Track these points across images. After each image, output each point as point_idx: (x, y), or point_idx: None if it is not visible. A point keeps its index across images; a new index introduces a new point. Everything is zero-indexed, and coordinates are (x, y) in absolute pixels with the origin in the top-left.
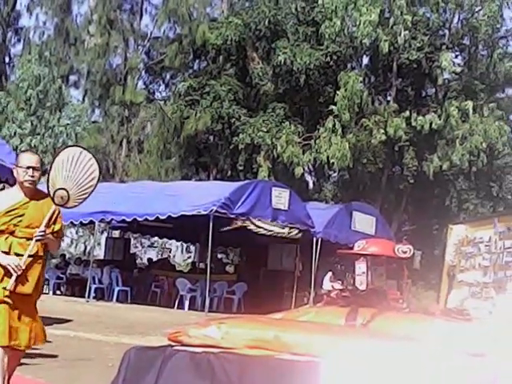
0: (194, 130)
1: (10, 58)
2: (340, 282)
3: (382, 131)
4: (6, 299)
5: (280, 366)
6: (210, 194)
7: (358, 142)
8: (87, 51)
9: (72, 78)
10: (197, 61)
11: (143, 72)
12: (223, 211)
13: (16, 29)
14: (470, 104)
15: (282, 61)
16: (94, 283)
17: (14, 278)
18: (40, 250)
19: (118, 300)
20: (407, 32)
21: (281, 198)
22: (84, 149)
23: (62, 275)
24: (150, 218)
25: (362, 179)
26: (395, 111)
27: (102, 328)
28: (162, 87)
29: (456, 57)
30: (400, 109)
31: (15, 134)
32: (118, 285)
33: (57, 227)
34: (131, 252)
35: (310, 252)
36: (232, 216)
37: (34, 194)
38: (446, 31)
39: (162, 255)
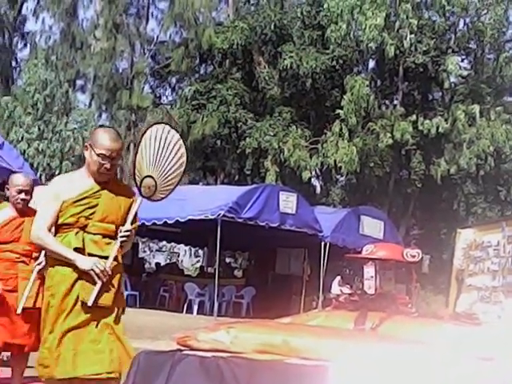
0: (201, 135)
1: (17, 63)
2: (348, 286)
3: (389, 135)
4: (78, 318)
5: (289, 371)
6: (217, 199)
7: (364, 145)
8: (93, 55)
9: (79, 82)
10: (203, 65)
11: (149, 76)
12: (231, 215)
13: (22, 33)
14: (476, 108)
15: (288, 65)
16: None
17: (97, 287)
18: (119, 252)
19: (126, 304)
20: (413, 36)
21: (288, 202)
22: (171, 127)
23: None
24: (157, 223)
25: (369, 183)
26: (402, 115)
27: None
28: (169, 91)
29: (462, 60)
30: (407, 113)
31: (22, 138)
32: (126, 289)
33: (135, 225)
34: (139, 256)
35: (318, 256)
36: (240, 220)
37: (108, 182)
38: (452, 35)
39: (170, 260)
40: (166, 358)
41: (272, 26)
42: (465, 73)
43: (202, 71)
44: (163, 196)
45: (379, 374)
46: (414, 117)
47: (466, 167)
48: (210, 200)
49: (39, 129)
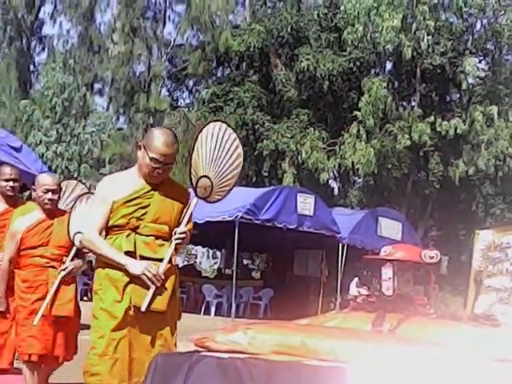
0: None
1: (35, 66)
2: (366, 287)
3: (407, 136)
4: (130, 323)
5: (307, 372)
6: (235, 200)
7: (382, 147)
8: (111, 59)
9: (96, 85)
10: (220, 68)
11: (167, 79)
12: (248, 217)
13: (40, 37)
14: (494, 109)
15: (305, 67)
16: None
17: (151, 292)
18: (173, 254)
19: None
20: (430, 37)
21: (306, 203)
22: (228, 125)
23: (88, 281)
24: None
25: (387, 185)
26: (419, 116)
27: None
28: (186, 94)
29: (480, 62)
30: (424, 114)
31: (41, 141)
32: None
33: (189, 226)
34: None
35: (335, 258)
36: (257, 222)
37: (160, 183)
38: (470, 36)
39: (187, 261)
40: (184, 360)
41: (289, 29)
42: (482, 74)
43: (219, 74)
44: (219, 197)
45: (397, 375)
46: (431, 118)
47: (484, 168)
48: (227, 202)
49: (57, 132)
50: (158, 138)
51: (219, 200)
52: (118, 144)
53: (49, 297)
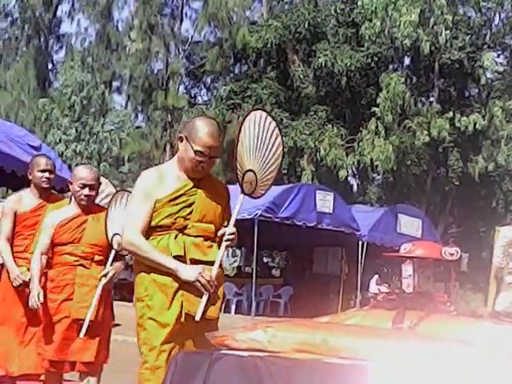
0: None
1: (53, 65)
2: (386, 285)
3: (426, 132)
4: (181, 332)
5: (328, 370)
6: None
7: (401, 143)
8: (129, 57)
9: (115, 83)
10: (237, 64)
11: (184, 76)
12: (268, 215)
13: (58, 35)
14: None
15: (323, 63)
16: None
17: (204, 299)
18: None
19: None
20: (448, 32)
21: (325, 201)
22: (268, 113)
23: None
24: None
25: (406, 181)
26: (438, 112)
27: None
28: (204, 91)
29: (498, 56)
30: (443, 109)
31: (60, 140)
32: None
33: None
34: None
35: (355, 255)
36: (277, 220)
37: (201, 178)
38: (488, 30)
39: None
40: (204, 358)
41: (306, 25)
42: (501, 68)
43: (236, 71)
44: (263, 192)
45: (418, 373)
46: (450, 114)
47: (504, 164)
48: (246, 200)
49: (76, 130)
50: (202, 129)
51: (262, 195)
52: (136, 142)
53: (93, 305)
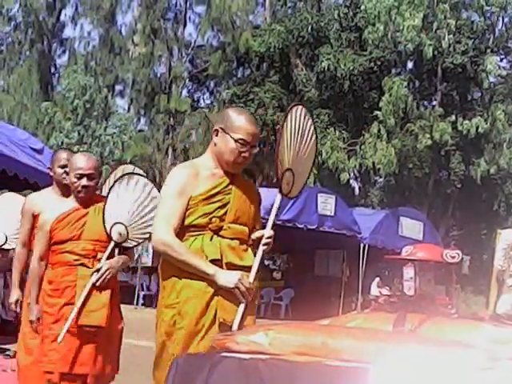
0: None
1: (56, 69)
2: (388, 287)
3: (428, 136)
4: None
5: (329, 373)
6: None
7: (403, 147)
8: (132, 61)
9: (117, 87)
10: (240, 68)
11: (187, 80)
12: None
13: (61, 39)
14: None
15: (326, 67)
16: (143, 290)
17: (242, 308)
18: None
19: None
20: (451, 36)
21: (327, 203)
22: (305, 107)
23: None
24: None
25: (408, 184)
26: (441, 115)
27: (150, 335)
28: (207, 95)
29: (501, 60)
30: (445, 113)
31: (62, 143)
32: None
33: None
34: None
35: (356, 258)
36: (278, 222)
37: (234, 176)
38: (491, 35)
39: None
40: (205, 360)
41: (309, 29)
42: (504, 72)
43: (239, 74)
44: (297, 193)
45: (419, 375)
46: (453, 117)
47: (506, 167)
48: None
49: (79, 134)
50: (240, 117)
51: (297, 196)
52: (139, 145)
53: (77, 306)
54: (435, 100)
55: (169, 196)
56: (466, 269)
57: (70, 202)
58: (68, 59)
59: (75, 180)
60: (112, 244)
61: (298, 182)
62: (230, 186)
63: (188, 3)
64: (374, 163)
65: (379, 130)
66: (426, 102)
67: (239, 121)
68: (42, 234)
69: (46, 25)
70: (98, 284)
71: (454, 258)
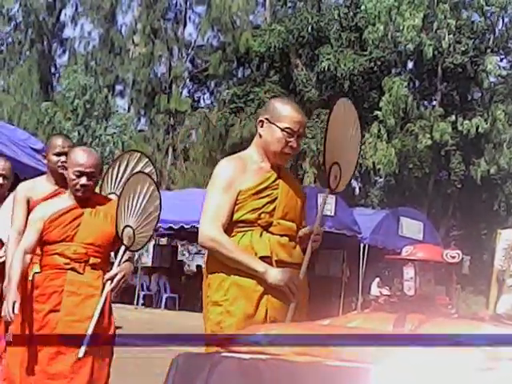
0: (239, 138)
1: (56, 69)
2: (388, 287)
3: (428, 136)
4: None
5: (329, 373)
6: None
7: (403, 147)
8: (132, 61)
9: (118, 87)
10: (241, 68)
11: (188, 80)
12: None
13: (61, 39)
14: None
15: (326, 67)
16: (143, 290)
17: (293, 307)
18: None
19: (166, 307)
20: (451, 36)
21: (327, 203)
22: (349, 99)
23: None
24: (196, 226)
25: (408, 184)
26: (441, 115)
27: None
28: (207, 95)
29: (501, 60)
30: (446, 113)
31: None
32: (166, 292)
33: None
34: (179, 259)
35: (357, 258)
36: None
37: (281, 172)
38: (491, 35)
39: None
40: (205, 360)
41: (309, 29)
42: (504, 72)
43: (239, 74)
44: (343, 188)
45: (419, 376)
46: (453, 117)
47: (506, 167)
48: None
49: (79, 134)
50: (285, 106)
51: (340, 191)
52: (139, 145)
53: (96, 317)
54: (435, 100)
55: (216, 190)
56: (466, 269)
57: (67, 199)
58: (68, 59)
59: (74, 177)
60: (123, 248)
61: (344, 175)
62: (278, 181)
63: (188, 3)
64: (374, 163)
65: (379, 130)
66: (426, 102)
67: (285, 110)
68: (33, 230)
69: (46, 25)
70: (114, 293)
71: (454, 258)
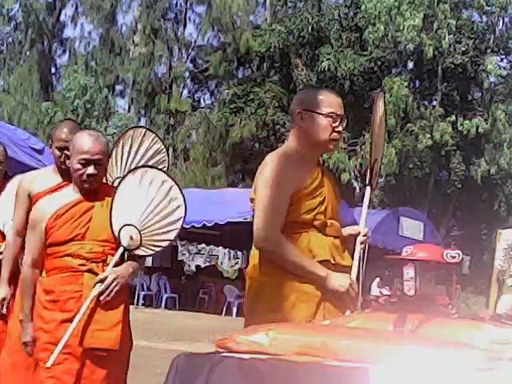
0: (240, 138)
1: (56, 69)
2: (388, 287)
3: (428, 136)
4: None
5: (329, 373)
6: None
7: (403, 147)
8: (132, 60)
9: (118, 87)
10: (241, 68)
11: (188, 80)
12: None
13: (61, 39)
14: None
15: (326, 67)
16: (143, 290)
17: (348, 314)
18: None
19: (166, 307)
20: (452, 36)
21: None
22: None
23: None
24: (196, 226)
25: (408, 184)
26: (441, 116)
27: (150, 335)
28: (207, 95)
29: (501, 60)
30: (446, 113)
31: None
32: (166, 292)
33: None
34: (179, 259)
35: (357, 258)
36: None
37: (322, 166)
38: (491, 35)
39: (209, 262)
40: (205, 360)
41: (309, 29)
42: (504, 72)
43: (239, 75)
44: (376, 185)
45: (419, 376)
46: (453, 117)
47: (506, 167)
48: (248, 202)
49: None
50: (321, 92)
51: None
52: None
53: (75, 321)
54: (435, 100)
55: (271, 189)
56: (466, 269)
57: (71, 192)
58: (68, 59)
59: (79, 167)
60: (121, 249)
61: (377, 170)
62: (323, 179)
63: (188, 3)
64: None
65: None
66: (426, 102)
67: (323, 95)
68: (35, 234)
69: (46, 25)
70: (102, 298)
71: (454, 258)
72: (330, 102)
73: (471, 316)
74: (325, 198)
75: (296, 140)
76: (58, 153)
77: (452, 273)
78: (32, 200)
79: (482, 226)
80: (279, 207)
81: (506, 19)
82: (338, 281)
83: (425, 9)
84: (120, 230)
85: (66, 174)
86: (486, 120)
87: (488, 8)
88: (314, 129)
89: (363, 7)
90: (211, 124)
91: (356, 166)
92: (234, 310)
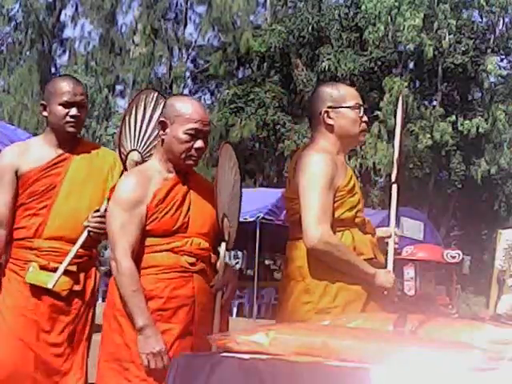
0: (240, 138)
1: (56, 69)
2: None
3: (429, 136)
4: None
5: (329, 373)
6: (256, 201)
7: (404, 147)
8: (132, 61)
9: (118, 87)
10: (241, 68)
11: (188, 80)
12: (270, 218)
13: (61, 40)
14: None
15: (326, 67)
16: None
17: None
18: None
19: None
20: (452, 36)
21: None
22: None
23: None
24: None
25: (408, 184)
26: (441, 116)
27: None
28: (207, 95)
29: (502, 60)
30: (446, 113)
31: None
32: None
33: None
34: None
35: None
36: (279, 222)
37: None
38: (491, 35)
39: None
40: (205, 361)
41: (310, 29)
42: (505, 72)
43: (240, 75)
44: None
45: (419, 376)
46: (453, 117)
47: (506, 167)
48: (248, 203)
49: (79, 134)
50: (339, 85)
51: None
52: None
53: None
54: (436, 100)
55: (319, 188)
56: (466, 269)
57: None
58: (68, 59)
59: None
60: (224, 245)
61: (398, 167)
62: (353, 175)
63: (189, 3)
64: (374, 163)
65: (380, 130)
66: (426, 102)
67: (343, 89)
68: (134, 225)
69: (46, 25)
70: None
71: (454, 258)
72: (351, 93)
73: (471, 316)
74: (360, 196)
75: (327, 139)
76: (61, 111)
77: (452, 273)
78: (21, 180)
79: (483, 226)
80: (327, 207)
81: (507, 19)
82: (384, 278)
83: (425, 9)
84: (222, 222)
85: (67, 141)
86: (486, 120)
87: (488, 8)
88: (345, 124)
89: (363, 7)
90: (211, 124)
91: (356, 166)
92: (234, 310)
